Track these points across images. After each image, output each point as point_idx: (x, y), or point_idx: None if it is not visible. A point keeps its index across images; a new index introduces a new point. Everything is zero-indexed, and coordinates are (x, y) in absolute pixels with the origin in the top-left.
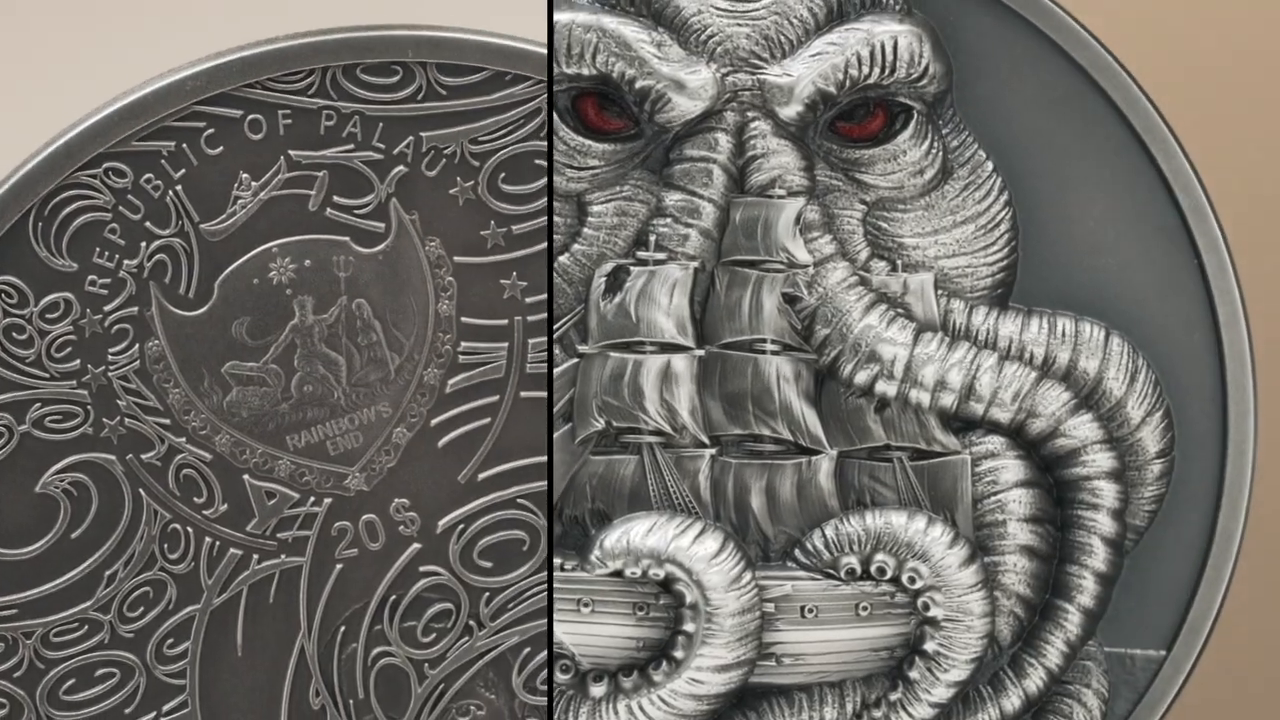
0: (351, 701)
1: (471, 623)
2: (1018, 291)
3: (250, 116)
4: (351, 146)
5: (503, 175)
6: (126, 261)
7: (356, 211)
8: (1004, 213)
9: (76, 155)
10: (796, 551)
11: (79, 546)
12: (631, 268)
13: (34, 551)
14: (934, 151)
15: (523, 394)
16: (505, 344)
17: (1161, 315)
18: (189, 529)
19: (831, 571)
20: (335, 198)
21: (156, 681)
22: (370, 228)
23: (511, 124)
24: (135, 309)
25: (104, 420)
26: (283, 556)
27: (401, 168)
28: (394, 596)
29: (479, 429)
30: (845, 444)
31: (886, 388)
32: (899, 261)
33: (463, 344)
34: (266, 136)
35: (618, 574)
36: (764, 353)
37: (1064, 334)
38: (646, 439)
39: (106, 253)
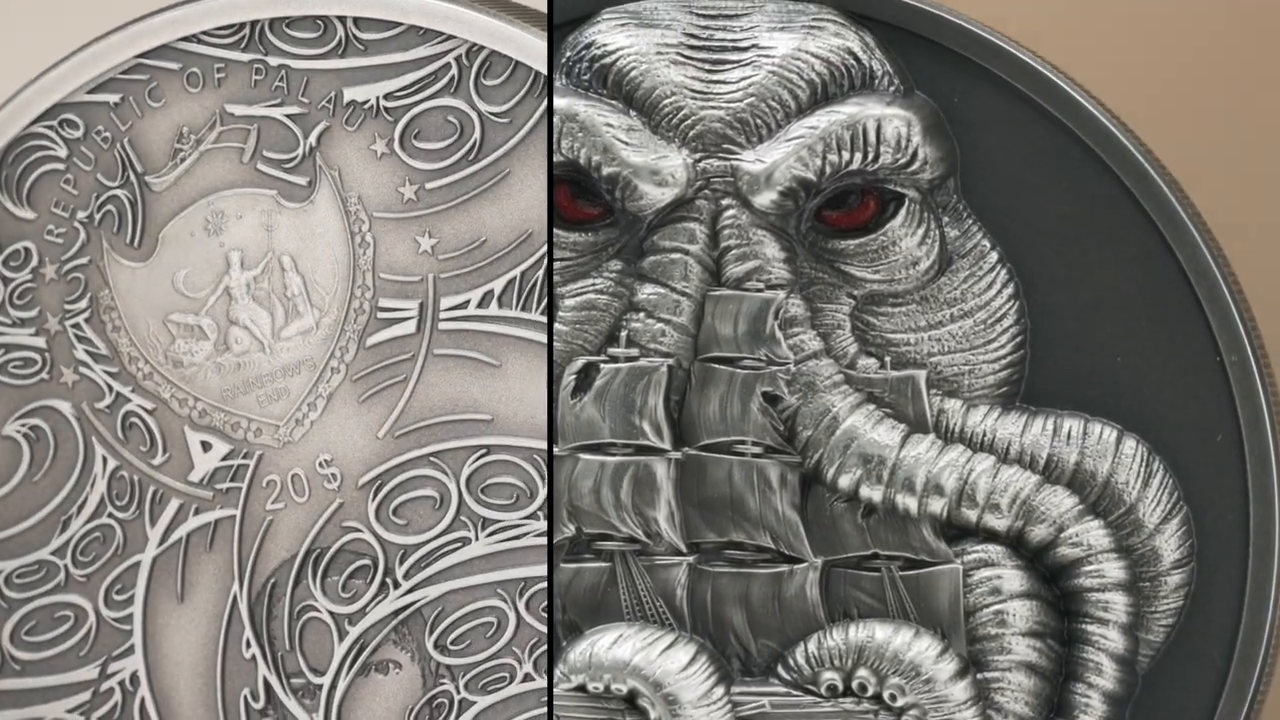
0: (280, 654)
1: (388, 580)
2: (1026, 390)
3: (189, 70)
4: (279, 100)
5: (416, 132)
6: (80, 212)
7: (284, 166)
8: (1009, 306)
9: (34, 106)
10: (779, 667)
11: (40, 491)
12: (602, 365)
13: (2, 494)
14: (930, 241)
15: (435, 351)
16: (418, 301)
17: (1181, 415)
18: (135, 477)
19: (813, 688)
20: (265, 152)
21: (107, 626)
22: (296, 182)
23: (423, 80)
24: (88, 259)
25: (61, 368)
26: (219, 508)
27: (325, 122)
28: (318, 551)
29: (395, 385)
30: (830, 552)
31: (872, 493)
32: (888, 359)
33: (380, 300)
34: (203, 90)
35: (582, 689)
36: (744, 455)
37: (1070, 435)
38: (619, 546)
39: (62, 203)
